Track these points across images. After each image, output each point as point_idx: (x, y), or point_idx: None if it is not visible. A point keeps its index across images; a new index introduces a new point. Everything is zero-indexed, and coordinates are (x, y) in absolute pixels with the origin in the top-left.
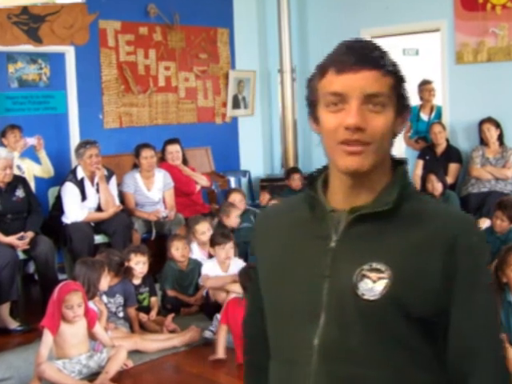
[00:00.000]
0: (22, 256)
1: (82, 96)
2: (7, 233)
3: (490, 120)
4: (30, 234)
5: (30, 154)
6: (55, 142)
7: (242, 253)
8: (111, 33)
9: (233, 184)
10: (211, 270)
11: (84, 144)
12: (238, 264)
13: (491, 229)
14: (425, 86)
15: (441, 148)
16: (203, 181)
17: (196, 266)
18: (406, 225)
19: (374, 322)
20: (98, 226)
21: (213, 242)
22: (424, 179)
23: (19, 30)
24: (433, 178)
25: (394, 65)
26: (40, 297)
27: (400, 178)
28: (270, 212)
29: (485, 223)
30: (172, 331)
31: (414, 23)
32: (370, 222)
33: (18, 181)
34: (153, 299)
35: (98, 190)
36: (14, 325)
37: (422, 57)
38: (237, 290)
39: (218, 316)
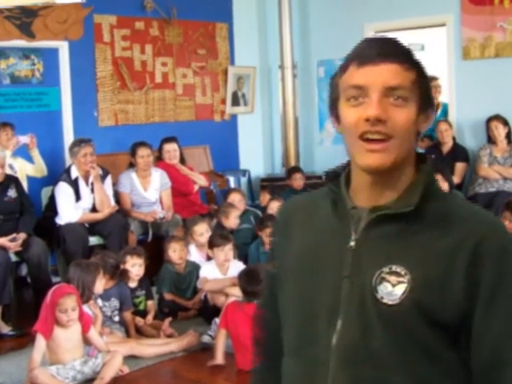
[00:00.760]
0: (14, 258)
1: (76, 93)
2: None
3: (497, 117)
4: (22, 236)
5: (23, 152)
6: (48, 140)
7: (242, 255)
8: (106, 27)
9: (232, 184)
10: (210, 272)
11: (78, 142)
12: (237, 266)
13: None
14: (430, 83)
15: (447, 147)
16: (201, 180)
17: (194, 268)
18: (429, 227)
19: (394, 326)
20: (93, 227)
21: (211, 244)
22: None
23: (11, 25)
24: (439, 177)
25: (417, 61)
26: (33, 300)
27: (424, 177)
28: (291, 206)
29: None
30: (169, 336)
31: (420, 18)
32: (391, 223)
33: (10, 180)
34: (149, 303)
35: (92, 190)
36: (5, 329)
37: (427, 52)
38: (236, 293)
39: (217, 320)
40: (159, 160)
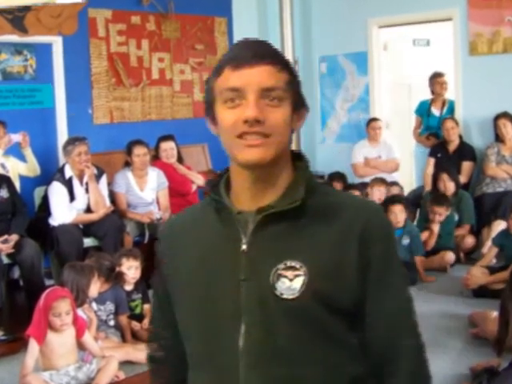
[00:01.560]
0: (6, 260)
1: (71, 89)
2: None
3: (505, 115)
4: (14, 237)
5: (15, 151)
6: (41, 138)
7: None
8: (101, 22)
9: None
10: None
11: (72, 141)
12: None
13: (507, 231)
14: (436, 79)
15: (453, 145)
16: (199, 180)
17: None
18: (316, 220)
19: (298, 319)
20: (88, 229)
21: None
22: (435, 178)
23: (3, 19)
24: (445, 177)
25: (288, 63)
26: (25, 304)
27: (303, 173)
28: (175, 223)
29: (500, 225)
30: None
31: (425, 12)
32: (279, 221)
33: (2, 180)
34: (146, 306)
35: (87, 190)
36: None
37: (433, 48)
38: None
39: None
40: (156, 159)
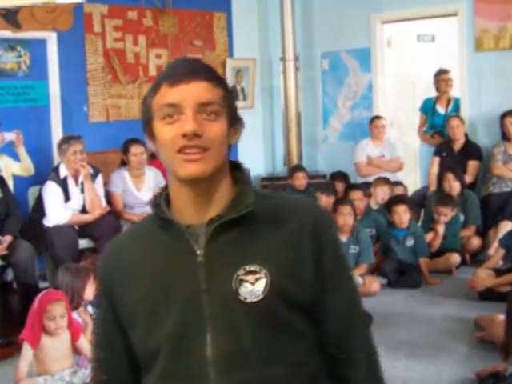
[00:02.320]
0: None
1: (65, 87)
2: None
3: None
4: (7, 239)
5: (8, 150)
6: (36, 137)
7: None
8: (97, 17)
9: None
10: None
11: (67, 139)
12: None
13: None
14: (441, 76)
15: (459, 144)
16: None
17: None
18: (267, 224)
19: (263, 321)
20: (83, 230)
21: None
22: (440, 178)
23: None
24: (450, 176)
25: (222, 79)
26: (19, 307)
27: (247, 181)
28: (120, 245)
29: (507, 226)
30: None
31: (429, 7)
32: (231, 229)
33: None
34: None
35: (82, 190)
36: None
37: (438, 44)
38: None
39: None
40: (153, 158)
